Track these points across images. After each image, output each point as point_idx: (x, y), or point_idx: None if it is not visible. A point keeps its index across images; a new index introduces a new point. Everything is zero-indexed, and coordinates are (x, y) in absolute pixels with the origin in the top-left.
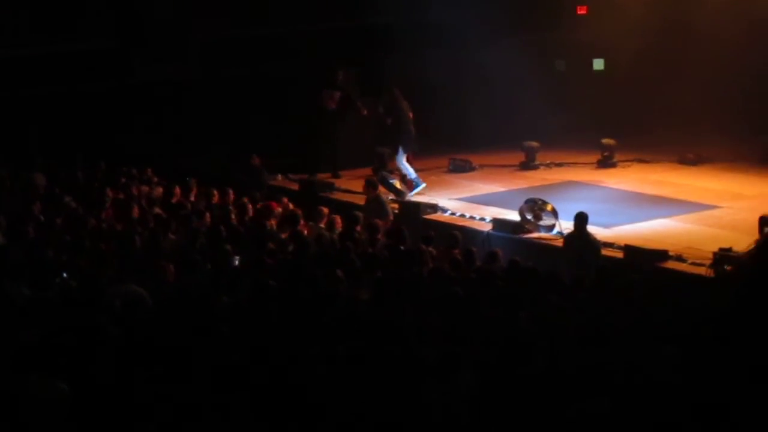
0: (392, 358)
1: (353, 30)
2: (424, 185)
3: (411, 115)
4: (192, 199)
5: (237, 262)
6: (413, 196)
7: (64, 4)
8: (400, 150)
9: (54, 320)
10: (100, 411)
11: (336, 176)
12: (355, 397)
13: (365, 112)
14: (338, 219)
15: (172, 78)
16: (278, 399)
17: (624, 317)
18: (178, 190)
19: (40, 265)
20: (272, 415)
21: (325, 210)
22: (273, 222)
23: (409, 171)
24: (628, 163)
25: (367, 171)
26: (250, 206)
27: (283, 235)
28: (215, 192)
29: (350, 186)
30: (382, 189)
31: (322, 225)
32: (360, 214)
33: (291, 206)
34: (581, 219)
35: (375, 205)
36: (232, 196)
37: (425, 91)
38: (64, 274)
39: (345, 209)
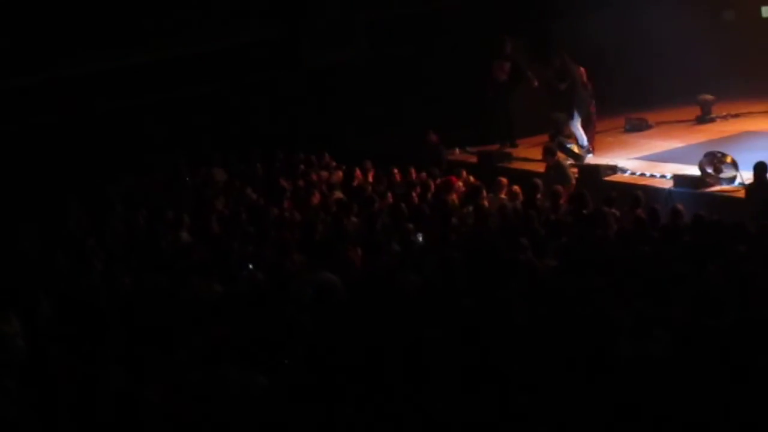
0: (585, 321)
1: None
2: (590, 155)
3: (585, 79)
4: (370, 180)
5: (421, 239)
6: (591, 159)
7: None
8: (575, 115)
9: (246, 314)
10: (295, 402)
11: (513, 146)
12: (550, 362)
13: (536, 83)
14: (518, 188)
15: (340, 61)
16: (481, 372)
17: None
18: (358, 172)
19: (226, 260)
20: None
21: (504, 180)
22: (455, 197)
23: (582, 138)
24: None
25: (544, 138)
26: (431, 183)
27: (466, 209)
28: (396, 171)
29: (528, 154)
30: (560, 155)
31: (502, 195)
32: (540, 182)
33: (472, 179)
34: (761, 168)
35: (556, 171)
36: (413, 175)
37: (594, 54)
38: (250, 266)
39: (524, 178)
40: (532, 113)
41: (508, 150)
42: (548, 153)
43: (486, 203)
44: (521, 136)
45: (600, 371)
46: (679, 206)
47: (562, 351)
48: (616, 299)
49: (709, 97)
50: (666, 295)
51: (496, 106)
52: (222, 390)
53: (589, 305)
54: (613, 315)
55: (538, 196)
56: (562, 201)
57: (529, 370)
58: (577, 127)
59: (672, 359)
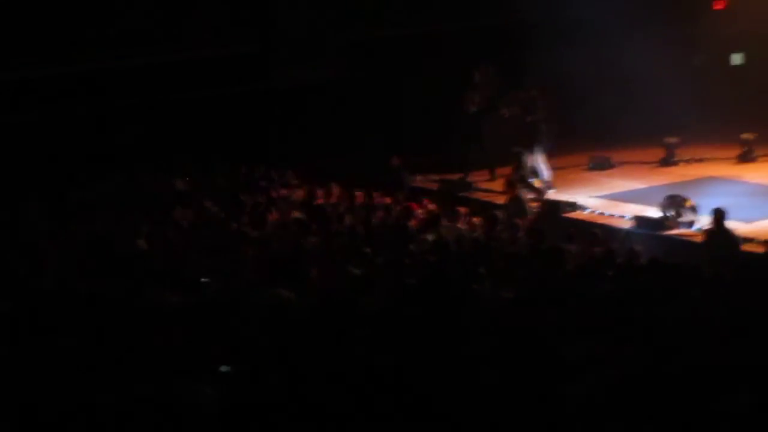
0: (533, 356)
1: (492, 28)
2: (552, 191)
3: (549, 114)
4: (333, 201)
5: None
6: (552, 195)
7: (206, 12)
8: (538, 149)
9: (199, 326)
10: (245, 415)
11: (493, 177)
12: (493, 395)
13: (506, 115)
14: (477, 219)
15: (310, 81)
16: (418, 401)
17: (765, 312)
18: (320, 192)
19: (182, 270)
20: (411, 416)
21: (463, 210)
22: (413, 223)
23: (543, 172)
24: None
25: (507, 170)
26: (393, 208)
27: (424, 236)
28: (358, 194)
29: (489, 185)
30: (521, 188)
31: (459, 225)
32: (501, 214)
33: (432, 206)
34: (719, 214)
35: (515, 203)
36: (375, 198)
37: (564, 88)
38: (203, 279)
39: (484, 209)
40: (498, 144)
41: (476, 179)
42: (509, 185)
43: (444, 231)
44: (485, 167)
45: (546, 406)
46: (637, 247)
47: (510, 384)
48: (567, 336)
49: (673, 139)
50: (617, 335)
51: (466, 136)
52: (171, 401)
53: (540, 340)
54: (563, 351)
55: (498, 228)
56: (520, 234)
57: (475, 402)
58: (539, 162)
59: (618, 400)
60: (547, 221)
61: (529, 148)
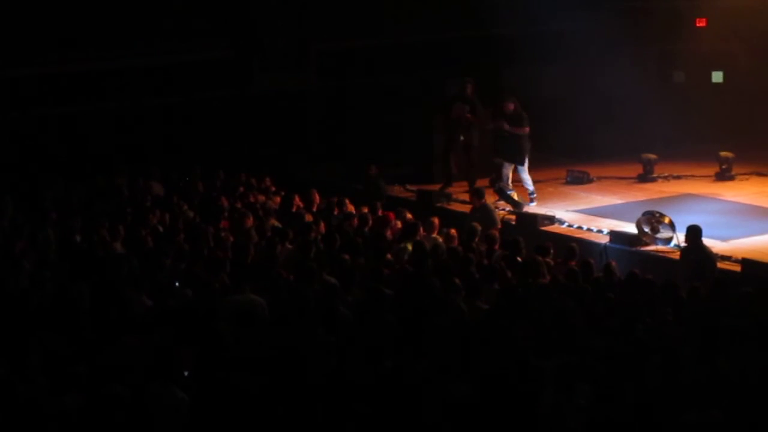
0: (509, 369)
1: (472, 41)
2: (532, 204)
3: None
4: (314, 209)
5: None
6: (530, 208)
7: (184, 15)
8: (525, 161)
9: (172, 329)
10: (218, 419)
11: (447, 185)
12: (467, 407)
13: (490, 126)
14: (454, 231)
15: (290, 88)
16: (389, 408)
17: (740, 330)
18: (297, 199)
19: (158, 274)
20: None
21: (436, 220)
22: (389, 233)
23: (529, 184)
24: (746, 176)
25: (485, 182)
26: (370, 217)
27: (399, 245)
28: (335, 201)
29: (467, 197)
30: (494, 199)
31: (434, 235)
32: (478, 225)
33: (410, 216)
34: (694, 232)
35: (481, 213)
36: (352, 207)
37: (543, 103)
38: (177, 284)
39: (461, 220)
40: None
41: (449, 191)
42: (476, 195)
43: (421, 241)
44: (465, 179)
45: (522, 419)
46: (613, 262)
47: (485, 395)
48: (541, 349)
49: (652, 156)
50: (592, 350)
51: (448, 147)
52: (142, 403)
53: (515, 352)
54: (538, 364)
55: (476, 239)
56: (496, 246)
57: (450, 413)
58: (526, 173)
59: (592, 413)
60: (524, 234)
61: (515, 160)
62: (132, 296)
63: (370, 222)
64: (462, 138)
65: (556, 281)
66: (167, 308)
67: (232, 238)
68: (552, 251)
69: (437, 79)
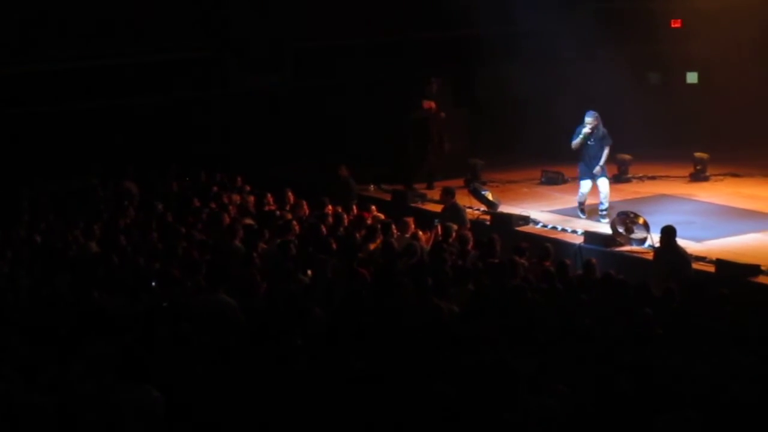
0: (485, 369)
1: (447, 41)
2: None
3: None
4: (287, 208)
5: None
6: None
7: (159, 14)
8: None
9: (145, 329)
10: (192, 418)
11: (430, 187)
12: (445, 409)
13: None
14: (425, 233)
15: (265, 87)
16: (368, 411)
17: (714, 331)
18: (270, 198)
19: (131, 273)
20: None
21: (410, 220)
22: (362, 232)
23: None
24: (721, 177)
25: (460, 182)
26: (345, 216)
27: (372, 246)
28: (305, 203)
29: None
30: (470, 199)
31: (407, 235)
32: (454, 226)
33: (382, 216)
34: (668, 233)
35: (451, 212)
36: (329, 208)
37: (517, 103)
38: (153, 284)
39: (433, 220)
40: (452, 155)
41: (425, 191)
42: (446, 194)
43: (395, 242)
44: (440, 179)
45: (501, 419)
46: (593, 260)
47: (462, 397)
48: (517, 350)
49: (627, 156)
50: (568, 350)
51: (415, 146)
52: (114, 403)
53: (490, 353)
54: (514, 365)
55: (450, 239)
56: (469, 247)
57: (426, 414)
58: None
59: (569, 416)
60: (499, 235)
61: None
62: (105, 295)
63: (346, 222)
64: (435, 134)
65: (530, 282)
66: (140, 307)
67: (206, 238)
68: (526, 252)
69: (413, 79)
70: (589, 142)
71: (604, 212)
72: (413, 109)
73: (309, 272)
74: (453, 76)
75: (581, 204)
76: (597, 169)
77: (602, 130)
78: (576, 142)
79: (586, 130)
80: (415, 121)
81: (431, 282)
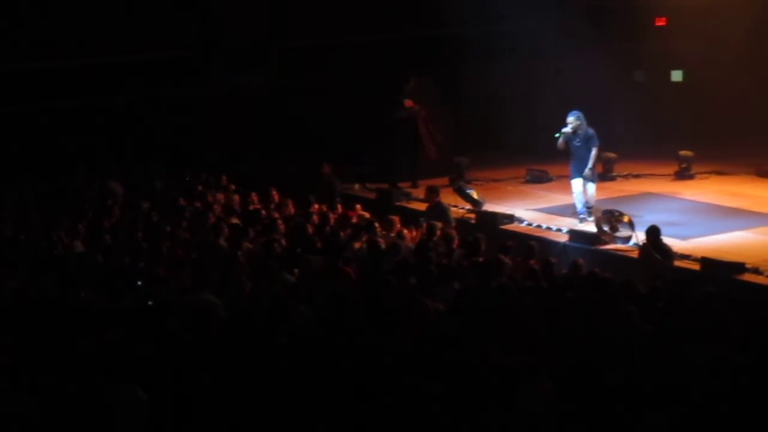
0: (471, 367)
1: (431, 39)
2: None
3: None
4: (272, 207)
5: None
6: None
7: (143, 13)
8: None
9: (130, 328)
10: (176, 418)
11: (415, 186)
12: (432, 406)
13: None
14: (409, 231)
15: (249, 85)
16: (354, 410)
17: (699, 329)
18: (255, 197)
19: (117, 272)
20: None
21: (396, 219)
22: (347, 231)
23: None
24: (706, 175)
25: (445, 181)
26: (330, 215)
27: (357, 244)
28: (290, 201)
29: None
30: (457, 198)
31: (392, 234)
32: (439, 224)
33: (367, 215)
34: (653, 231)
35: (436, 211)
36: (315, 206)
37: (502, 101)
38: (139, 283)
39: (415, 218)
40: (438, 156)
41: (409, 189)
42: (431, 192)
43: (380, 240)
44: (425, 177)
45: (486, 418)
46: (580, 260)
47: (447, 395)
48: (502, 347)
49: (612, 154)
50: (553, 348)
51: (398, 145)
52: (99, 402)
53: (476, 351)
54: (497, 363)
55: (435, 238)
56: (455, 245)
57: (410, 412)
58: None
59: (555, 410)
60: (484, 233)
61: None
62: (91, 295)
63: (332, 221)
64: (423, 133)
65: (515, 280)
66: (126, 307)
67: (190, 237)
68: (511, 250)
69: (396, 78)
70: (574, 143)
71: (583, 215)
72: (396, 109)
73: (295, 271)
74: (437, 74)
75: (583, 206)
76: (586, 172)
77: (589, 131)
78: (559, 142)
79: (567, 130)
80: (399, 121)
81: (416, 281)
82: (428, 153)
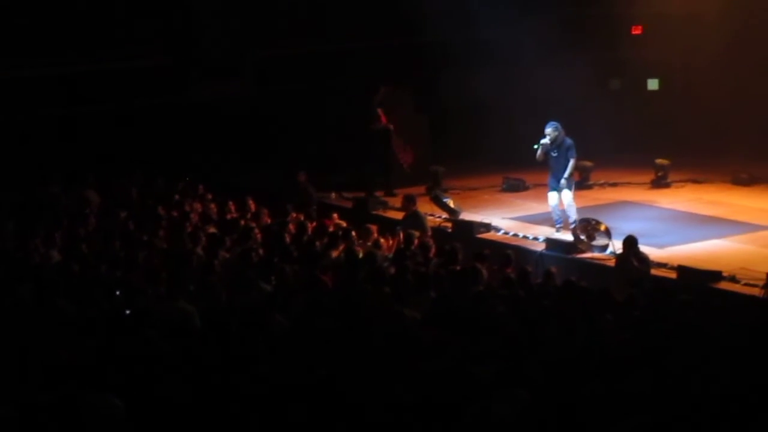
0: (446, 375)
1: (409, 47)
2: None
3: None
4: (248, 216)
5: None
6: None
7: (121, 22)
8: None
9: (106, 337)
10: (153, 427)
11: (390, 194)
12: (407, 415)
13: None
14: (386, 240)
15: (226, 94)
16: (329, 418)
17: (676, 338)
18: (233, 206)
19: (93, 281)
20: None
21: (374, 228)
22: (325, 239)
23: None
24: (682, 183)
25: (421, 189)
26: (307, 224)
27: (335, 253)
28: (265, 211)
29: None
30: (433, 206)
31: (369, 243)
32: (416, 233)
33: (344, 224)
34: (630, 241)
35: (413, 220)
36: (292, 215)
37: (479, 109)
38: (117, 293)
39: (392, 227)
40: (413, 164)
41: (385, 198)
42: (407, 201)
43: (358, 249)
44: (401, 186)
45: (460, 427)
46: (553, 269)
47: (418, 403)
48: (476, 356)
49: (588, 163)
50: (529, 357)
51: (374, 154)
52: (75, 411)
53: (449, 359)
54: (473, 371)
55: (413, 247)
56: (431, 254)
57: (385, 421)
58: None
59: (530, 420)
60: (460, 242)
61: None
62: (66, 303)
63: (309, 230)
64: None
65: (491, 288)
66: (102, 316)
67: (167, 246)
68: (488, 259)
69: (374, 86)
70: (552, 154)
71: (560, 227)
72: (371, 121)
73: (272, 279)
74: (414, 83)
75: (559, 216)
76: (562, 182)
77: (566, 141)
78: (538, 153)
79: (545, 141)
80: (375, 132)
81: (393, 289)
82: (403, 161)
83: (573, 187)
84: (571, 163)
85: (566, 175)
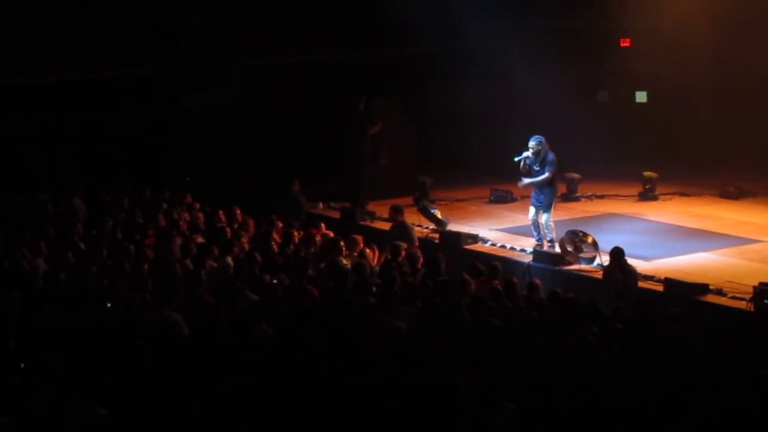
0: (432, 386)
1: (393, 59)
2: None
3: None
4: (235, 226)
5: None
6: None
7: (110, 31)
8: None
9: (92, 345)
10: None
11: (361, 205)
12: (393, 425)
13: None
14: (372, 250)
15: (213, 104)
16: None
17: (663, 350)
18: (222, 215)
19: (80, 290)
20: None
21: (359, 238)
22: (312, 249)
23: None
24: (669, 196)
25: (409, 200)
26: (294, 234)
27: (322, 263)
28: (251, 221)
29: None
30: (419, 217)
31: (355, 253)
32: (403, 244)
33: (331, 234)
34: (617, 253)
35: (400, 230)
36: (279, 224)
37: (466, 120)
38: (106, 303)
39: (382, 238)
40: (400, 174)
41: (371, 209)
42: (395, 211)
43: (344, 260)
44: (388, 196)
45: None
46: (537, 281)
47: (407, 413)
48: (462, 366)
49: (576, 175)
50: (515, 368)
51: (355, 164)
52: (60, 419)
53: (436, 370)
54: (459, 381)
55: (400, 258)
56: (419, 265)
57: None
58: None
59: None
60: (447, 253)
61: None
62: (53, 312)
63: (296, 239)
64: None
65: (478, 300)
66: (88, 324)
67: (154, 255)
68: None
69: (361, 97)
70: (534, 168)
71: (539, 242)
72: (369, 127)
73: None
74: (402, 94)
75: (538, 233)
76: (541, 198)
77: (548, 156)
78: (521, 165)
79: (527, 154)
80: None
81: (380, 300)
82: (381, 161)
83: (551, 207)
84: (545, 176)
85: (535, 181)
